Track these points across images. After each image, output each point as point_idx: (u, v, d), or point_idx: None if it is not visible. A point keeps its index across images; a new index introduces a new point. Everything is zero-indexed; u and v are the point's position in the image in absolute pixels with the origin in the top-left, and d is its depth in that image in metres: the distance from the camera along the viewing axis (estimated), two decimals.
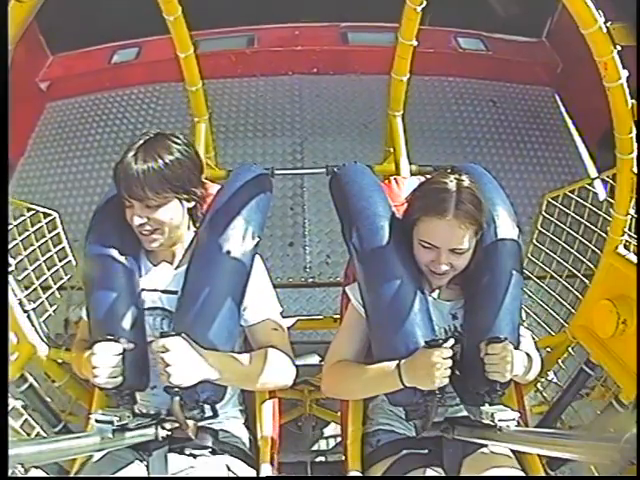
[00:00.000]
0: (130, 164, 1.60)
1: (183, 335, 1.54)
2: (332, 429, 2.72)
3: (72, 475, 1.78)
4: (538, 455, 1.78)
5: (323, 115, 4.54)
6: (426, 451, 1.76)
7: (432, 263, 1.69)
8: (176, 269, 1.79)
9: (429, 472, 1.68)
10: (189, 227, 1.80)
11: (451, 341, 1.57)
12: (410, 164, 2.57)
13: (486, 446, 1.71)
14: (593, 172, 4.07)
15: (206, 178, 2.07)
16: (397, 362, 1.60)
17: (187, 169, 1.67)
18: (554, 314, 2.59)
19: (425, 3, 2.11)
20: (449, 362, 1.53)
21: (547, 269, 2.62)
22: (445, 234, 1.64)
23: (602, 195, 2.50)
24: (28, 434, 2.13)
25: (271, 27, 4.93)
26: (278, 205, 3.76)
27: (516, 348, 1.68)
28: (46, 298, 2.37)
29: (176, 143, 1.67)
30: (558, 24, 4.70)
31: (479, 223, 1.67)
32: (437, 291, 1.81)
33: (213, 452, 1.75)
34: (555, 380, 2.54)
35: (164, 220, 1.66)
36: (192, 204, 1.74)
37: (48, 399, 2.23)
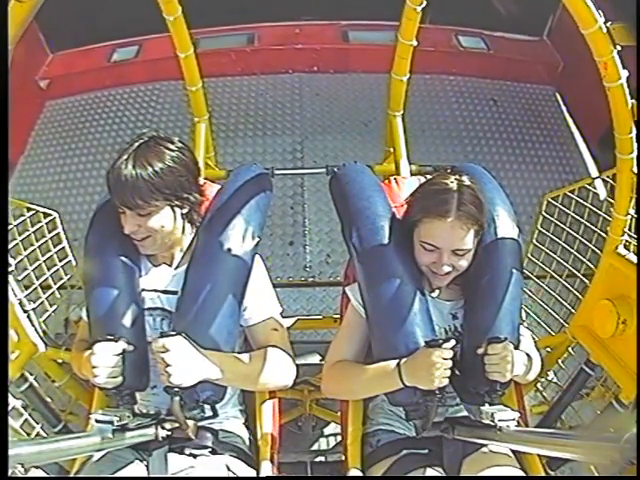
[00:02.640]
0: (120, 172, 1.58)
1: (183, 335, 1.54)
2: (332, 429, 2.72)
3: (72, 475, 1.78)
4: (538, 455, 1.78)
5: (323, 114, 4.53)
6: (426, 451, 1.76)
7: (434, 264, 1.69)
8: (176, 269, 1.79)
9: (429, 472, 1.68)
10: (184, 230, 1.78)
11: (451, 341, 1.57)
12: (410, 164, 2.57)
13: (486, 446, 1.71)
14: (594, 171, 4.06)
15: (206, 178, 2.07)
16: (397, 361, 1.61)
17: (179, 176, 1.64)
18: (554, 314, 2.59)
19: (425, 3, 2.10)
20: (449, 362, 1.53)
21: (547, 269, 2.62)
22: (447, 235, 1.64)
23: (603, 195, 2.50)
24: (28, 434, 2.13)
25: (271, 25, 4.90)
26: (278, 204, 3.76)
27: (516, 348, 1.68)
28: (46, 298, 2.37)
29: (169, 149, 1.65)
30: (559, 23, 4.68)
31: (480, 223, 1.67)
32: (437, 291, 1.81)
33: (213, 452, 1.75)
34: (555, 380, 2.54)
35: (156, 228, 1.66)
36: (187, 209, 1.72)
37: (48, 399, 2.23)
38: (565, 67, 4.73)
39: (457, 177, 1.68)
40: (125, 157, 1.60)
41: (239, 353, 1.74)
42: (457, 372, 1.62)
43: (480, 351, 1.61)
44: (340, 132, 4.37)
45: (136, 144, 1.63)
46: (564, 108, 4.63)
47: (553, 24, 4.82)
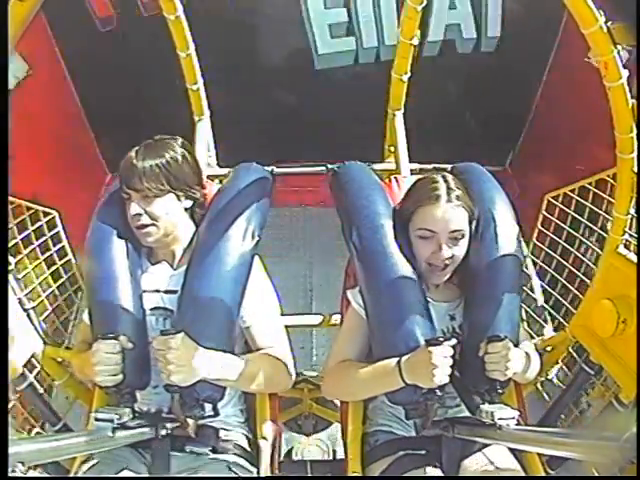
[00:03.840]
0: (131, 159, 1.69)
1: (183, 334, 1.55)
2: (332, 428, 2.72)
3: (72, 474, 1.78)
4: (538, 454, 1.78)
5: None
6: (424, 451, 1.75)
7: (433, 255, 1.70)
8: (176, 269, 1.79)
9: (428, 471, 1.67)
10: (185, 226, 1.80)
11: (452, 340, 1.57)
12: (410, 162, 2.56)
13: (486, 445, 1.71)
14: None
15: (206, 177, 2.07)
16: (397, 360, 1.60)
17: (186, 168, 1.74)
18: (554, 314, 2.59)
19: (425, 2, 2.10)
20: (450, 360, 1.53)
21: (547, 268, 2.62)
22: (441, 217, 1.68)
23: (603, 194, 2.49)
24: (28, 432, 2.12)
25: None
26: None
27: (515, 346, 1.68)
28: (46, 297, 2.37)
29: (174, 146, 1.75)
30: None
31: (470, 208, 1.72)
32: (434, 293, 1.81)
33: (214, 450, 1.75)
34: (555, 380, 2.54)
35: (159, 214, 1.70)
36: (189, 203, 1.78)
37: (48, 397, 2.22)
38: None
39: (441, 173, 1.77)
40: (136, 149, 1.71)
41: (240, 354, 1.74)
42: (457, 371, 1.61)
43: (481, 351, 1.62)
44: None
45: (145, 141, 1.75)
46: None
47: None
